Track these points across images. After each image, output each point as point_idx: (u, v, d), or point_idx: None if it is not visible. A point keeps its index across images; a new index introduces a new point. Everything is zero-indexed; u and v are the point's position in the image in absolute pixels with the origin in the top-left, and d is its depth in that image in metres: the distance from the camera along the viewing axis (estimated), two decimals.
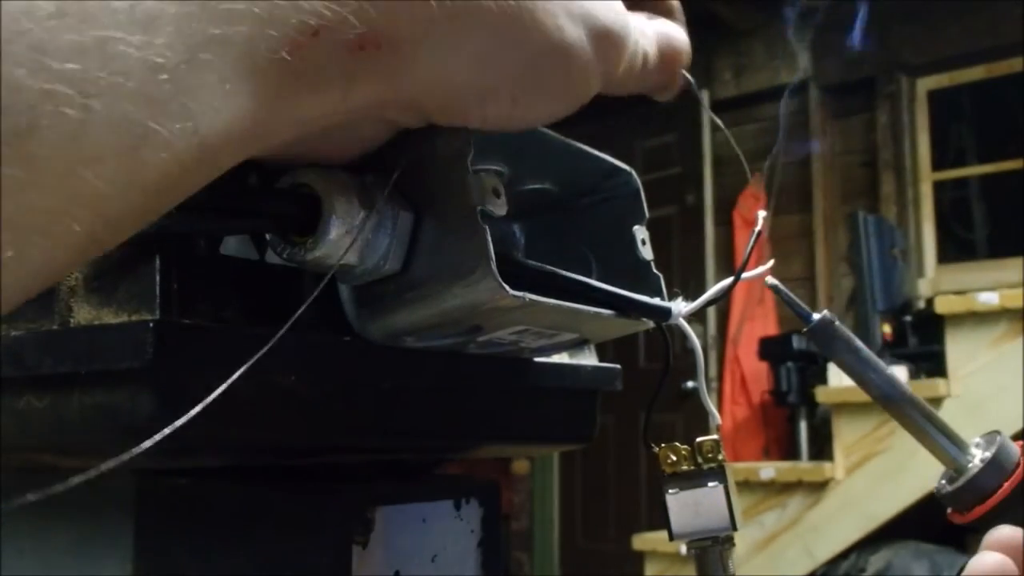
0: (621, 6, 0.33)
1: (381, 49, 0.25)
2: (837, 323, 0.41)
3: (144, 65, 0.21)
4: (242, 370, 0.28)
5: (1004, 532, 0.37)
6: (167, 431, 0.25)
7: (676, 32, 0.38)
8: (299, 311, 0.31)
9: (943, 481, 0.42)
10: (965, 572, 0.37)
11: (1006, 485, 0.39)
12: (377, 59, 0.26)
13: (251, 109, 0.23)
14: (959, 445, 0.41)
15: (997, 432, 0.41)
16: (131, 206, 0.22)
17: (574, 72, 0.31)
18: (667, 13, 0.38)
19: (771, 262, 0.42)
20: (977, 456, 0.40)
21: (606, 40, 0.32)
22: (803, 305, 0.41)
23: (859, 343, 0.41)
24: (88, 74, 0.20)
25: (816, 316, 0.41)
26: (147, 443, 0.23)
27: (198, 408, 0.26)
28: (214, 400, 0.29)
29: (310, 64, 0.24)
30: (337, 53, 0.25)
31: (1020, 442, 0.41)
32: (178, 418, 0.29)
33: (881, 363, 0.42)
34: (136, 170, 0.21)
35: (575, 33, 0.30)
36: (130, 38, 0.20)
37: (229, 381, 0.28)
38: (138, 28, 0.21)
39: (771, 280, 0.41)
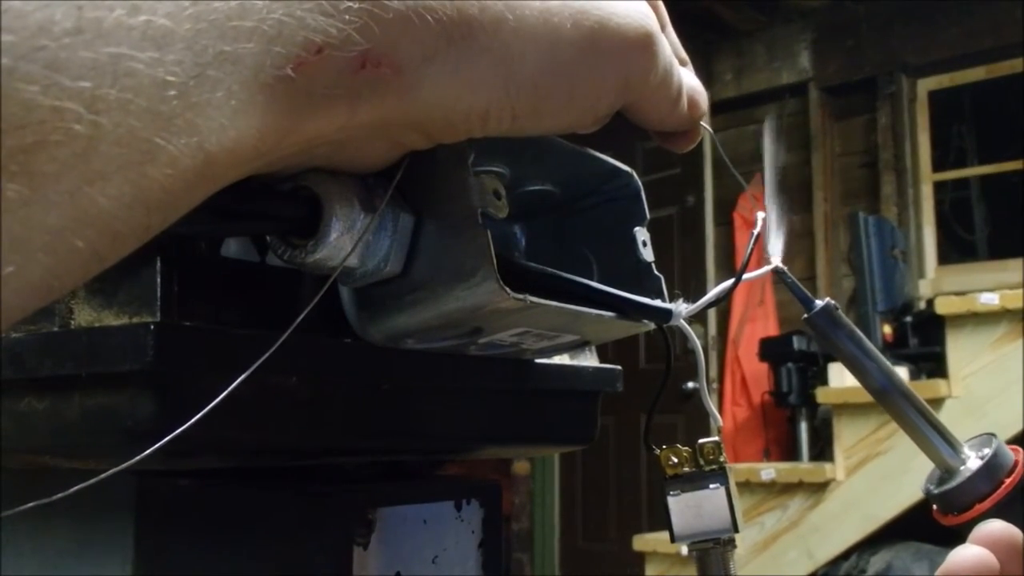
0: (648, 14, 0.33)
1: (382, 67, 0.26)
2: (840, 311, 0.41)
3: (153, 82, 0.20)
4: (247, 373, 0.28)
5: (994, 526, 0.37)
6: (175, 434, 0.25)
7: (698, 83, 0.38)
8: (303, 314, 0.31)
9: (931, 481, 0.41)
10: (944, 564, 0.36)
11: (998, 492, 0.38)
12: (380, 79, 0.26)
13: (257, 126, 0.23)
14: (953, 446, 0.40)
15: (992, 435, 0.41)
16: (135, 222, 0.21)
17: (576, 93, 0.31)
18: (682, 63, 0.38)
19: (774, 262, 0.42)
20: (970, 458, 0.40)
21: (619, 47, 0.32)
22: (806, 292, 0.41)
23: (860, 334, 0.41)
24: (98, 91, 0.19)
25: (819, 302, 0.40)
26: (152, 448, 0.23)
27: (206, 410, 0.26)
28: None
29: (315, 82, 0.24)
30: (341, 71, 0.25)
31: (1014, 447, 0.40)
32: (178, 419, 0.29)
33: (881, 355, 0.41)
34: (141, 186, 0.21)
35: (577, 53, 0.30)
36: (141, 55, 0.20)
37: (235, 383, 0.28)
38: (150, 45, 0.20)
39: (778, 264, 0.41)
